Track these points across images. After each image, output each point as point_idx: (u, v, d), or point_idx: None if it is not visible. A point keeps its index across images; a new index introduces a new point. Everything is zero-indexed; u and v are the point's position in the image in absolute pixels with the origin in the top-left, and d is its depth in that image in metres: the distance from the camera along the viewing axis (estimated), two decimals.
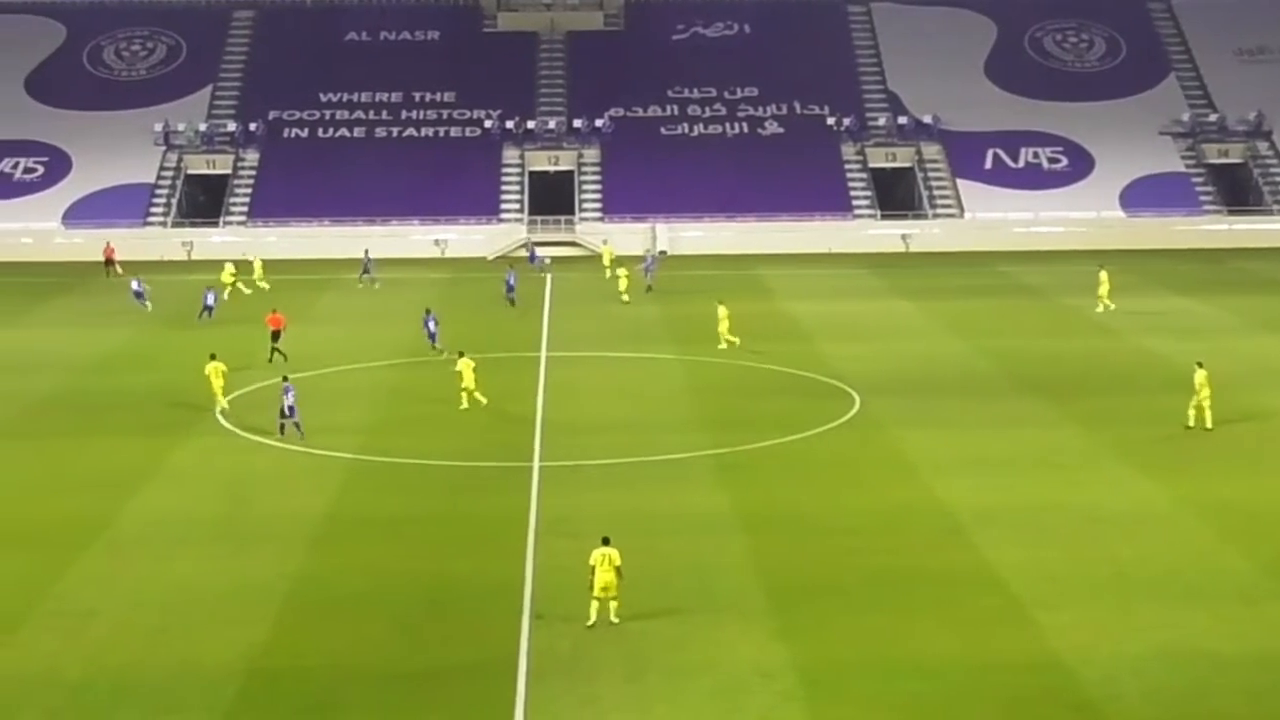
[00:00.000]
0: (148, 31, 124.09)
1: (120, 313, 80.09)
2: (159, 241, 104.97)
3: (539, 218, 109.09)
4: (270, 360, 65.98)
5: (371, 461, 50.50)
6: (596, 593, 35.55)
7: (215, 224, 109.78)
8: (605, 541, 35.93)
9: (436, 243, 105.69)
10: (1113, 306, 77.83)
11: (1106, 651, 33.99)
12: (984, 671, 32.73)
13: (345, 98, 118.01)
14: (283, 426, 53.44)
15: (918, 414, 56.44)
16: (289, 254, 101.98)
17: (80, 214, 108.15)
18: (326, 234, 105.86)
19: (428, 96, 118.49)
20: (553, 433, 54.08)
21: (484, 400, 57.45)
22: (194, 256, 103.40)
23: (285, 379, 55.28)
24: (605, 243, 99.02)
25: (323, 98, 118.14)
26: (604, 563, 35.55)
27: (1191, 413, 53.67)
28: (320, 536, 42.66)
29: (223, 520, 44.32)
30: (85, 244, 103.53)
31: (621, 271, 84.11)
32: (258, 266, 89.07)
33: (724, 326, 69.37)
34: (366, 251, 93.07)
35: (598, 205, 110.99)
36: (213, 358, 57.91)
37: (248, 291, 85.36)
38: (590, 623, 35.36)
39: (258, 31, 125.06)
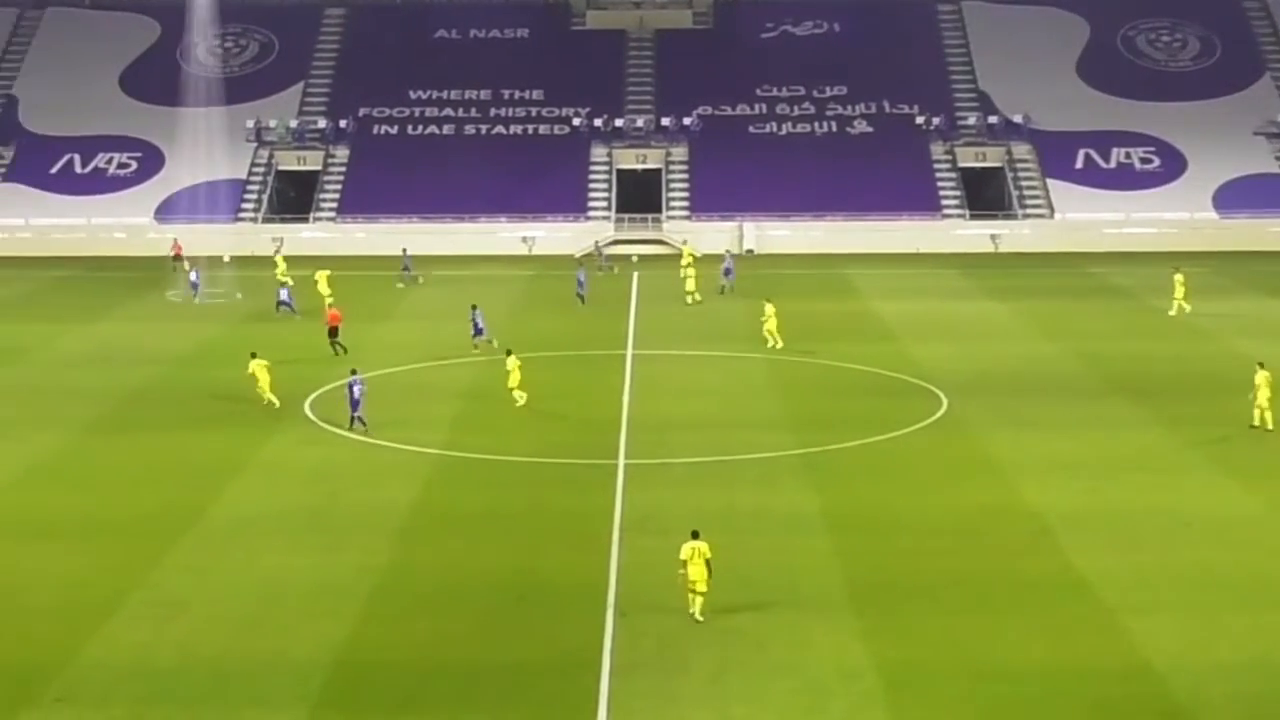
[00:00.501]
0: (241, 29, 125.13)
1: (209, 308, 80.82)
2: (249, 237, 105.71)
3: (626, 216, 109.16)
4: (336, 355, 66.71)
5: (457, 457, 50.83)
6: (689, 587, 35.79)
7: (305, 220, 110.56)
8: (695, 535, 36.13)
9: (524, 240, 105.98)
10: (1188, 309, 77.16)
11: (1196, 659, 33.78)
12: (1070, 677, 32.57)
13: (434, 95, 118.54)
14: (352, 420, 53.99)
15: (1006, 415, 56.19)
16: (376, 251, 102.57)
17: (172, 209, 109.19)
18: (415, 231, 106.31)
19: (516, 94, 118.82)
20: (638, 430, 54.22)
21: (521, 400, 57.58)
22: (284, 252, 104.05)
23: (354, 372, 55.69)
24: (685, 242, 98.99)
25: (412, 95, 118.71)
26: (695, 556, 35.74)
27: (1255, 412, 53.59)
28: (407, 531, 43.03)
29: (311, 513, 44.75)
30: (177, 239, 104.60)
31: (690, 272, 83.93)
32: (279, 262, 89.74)
33: (770, 325, 69.25)
34: (405, 250, 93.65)
35: (685, 203, 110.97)
36: (254, 356, 58.67)
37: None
38: (693, 614, 35.61)
39: (349, 29, 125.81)
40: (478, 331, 68.50)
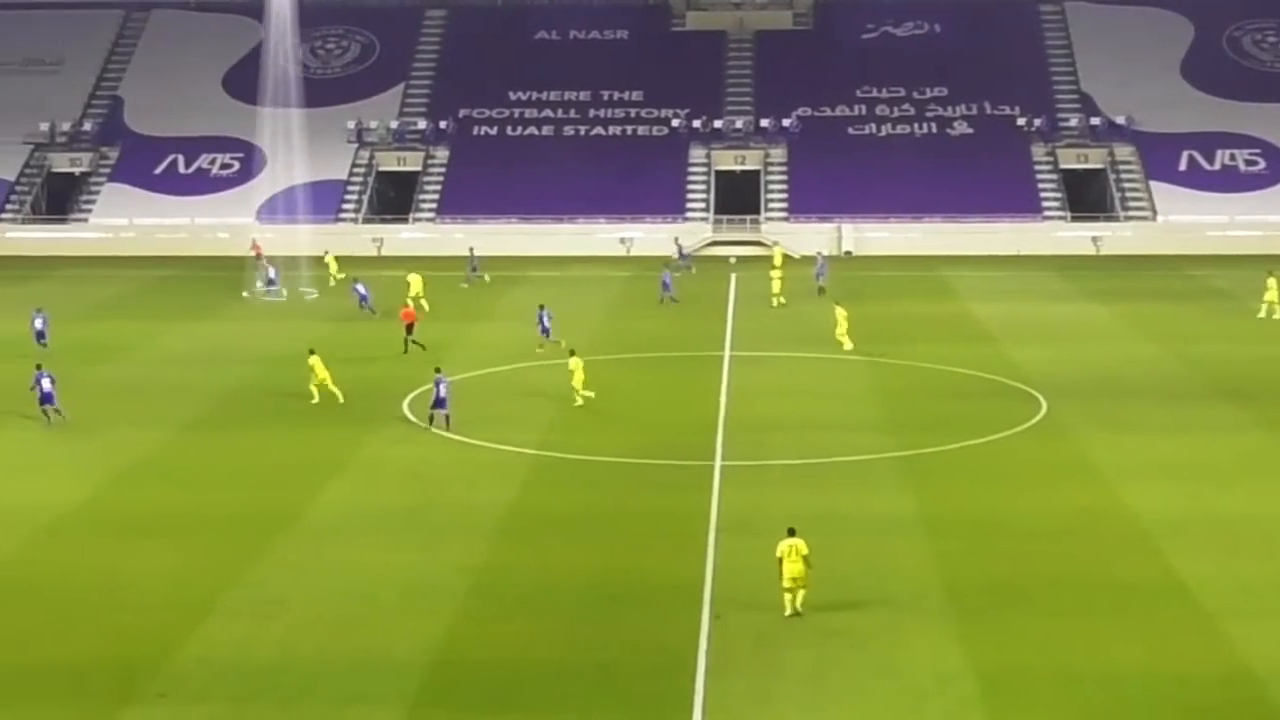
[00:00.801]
0: (342, 30, 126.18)
1: (309, 308, 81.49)
2: (350, 237, 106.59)
3: (724, 217, 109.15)
4: (405, 352, 67.37)
5: (554, 457, 50.96)
6: (785, 584, 35.82)
7: (405, 220, 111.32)
8: (791, 532, 36.24)
9: (622, 241, 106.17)
10: (1279, 315, 76.34)
11: None
12: (1169, 683, 32.26)
13: (534, 96, 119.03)
14: (432, 417, 54.30)
15: (1106, 418, 55.71)
16: (476, 251, 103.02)
17: (274, 210, 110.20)
18: (513, 231, 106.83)
19: (615, 95, 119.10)
20: (735, 431, 54.18)
21: (580, 399, 57.86)
22: (383, 253, 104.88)
23: (438, 370, 55.97)
24: (776, 244, 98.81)
25: (512, 96, 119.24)
26: (791, 553, 35.83)
27: None
28: (503, 530, 43.20)
29: (409, 512, 45.00)
30: (278, 239, 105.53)
31: (774, 274, 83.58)
32: (331, 262, 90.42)
33: (841, 328, 68.93)
34: (472, 250, 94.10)
35: (783, 205, 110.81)
36: (312, 352, 59.39)
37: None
38: (787, 613, 35.67)
39: (449, 30, 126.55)
40: (544, 331, 68.73)
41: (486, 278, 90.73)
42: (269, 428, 55.49)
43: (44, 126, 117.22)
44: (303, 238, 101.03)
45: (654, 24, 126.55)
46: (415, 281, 79.46)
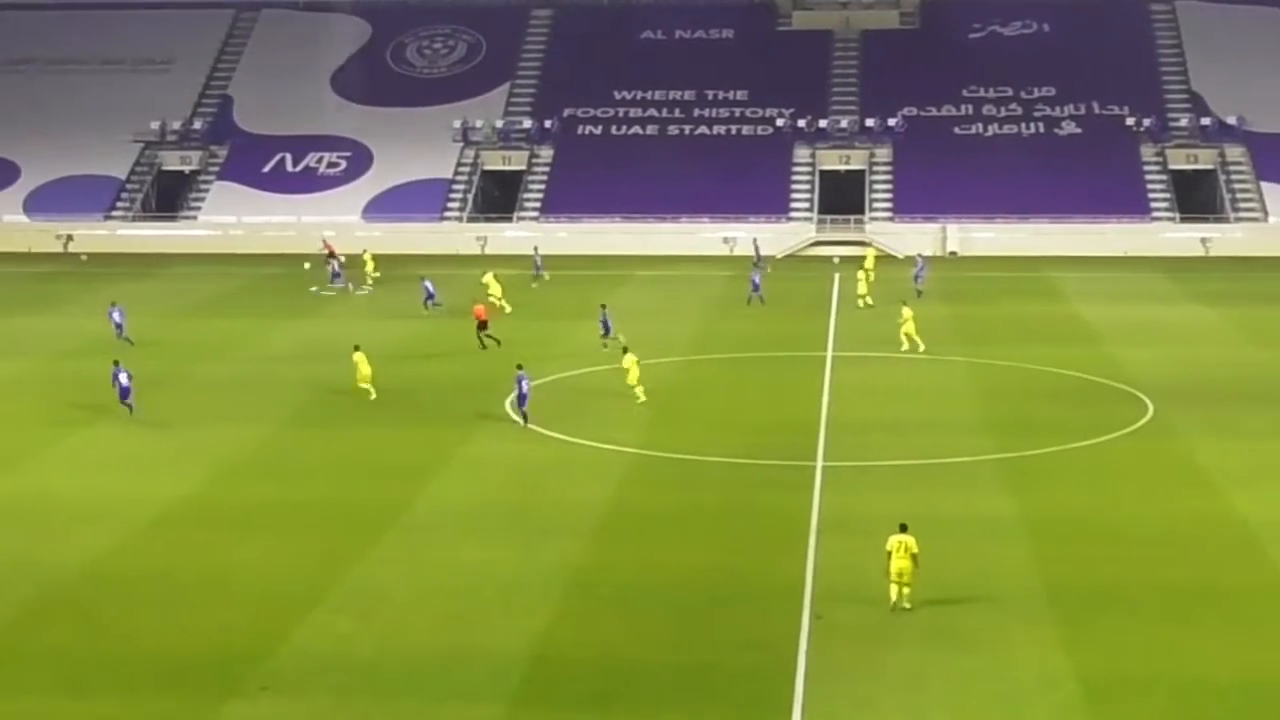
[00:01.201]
0: (449, 30, 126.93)
1: (409, 306, 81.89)
2: (454, 236, 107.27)
3: (828, 217, 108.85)
4: (483, 348, 68.11)
5: (654, 456, 50.93)
6: (893, 578, 35.90)
7: (509, 219, 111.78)
8: (903, 528, 36.37)
9: (725, 241, 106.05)
10: None
11: None
12: (1277, 691, 31.73)
13: (639, 96, 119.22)
14: (525, 416, 54.51)
15: (1214, 422, 55.02)
16: (579, 250, 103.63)
17: (380, 208, 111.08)
18: (617, 230, 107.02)
19: (720, 95, 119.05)
20: (837, 432, 53.98)
21: (642, 397, 57.83)
22: (487, 251, 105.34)
23: (520, 367, 56.09)
24: (870, 245, 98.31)
25: (617, 95, 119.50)
26: (900, 549, 35.93)
27: None
28: (604, 528, 43.24)
29: (510, 509, 45.15)
30: (384, 238, 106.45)
31: (860, 274, 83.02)
32: (368, 260, 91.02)
33: (909, 328, 68.40)
34: (536, 249, 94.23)
35: (888, 205, 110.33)
36: (357, 349, 60.14)
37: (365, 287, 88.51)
38: (891, 605, 35.80)
39: (555, 30, 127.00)
40: (606, 331, 68.65)
41: (547, 276, 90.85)
42: (373, 424, 55.84)
43: (154, 125, 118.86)
44: (408, 236, 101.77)
45: (760, 23, 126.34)
46: (493, 282, 79.52)
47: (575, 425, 54.54)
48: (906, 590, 35.86)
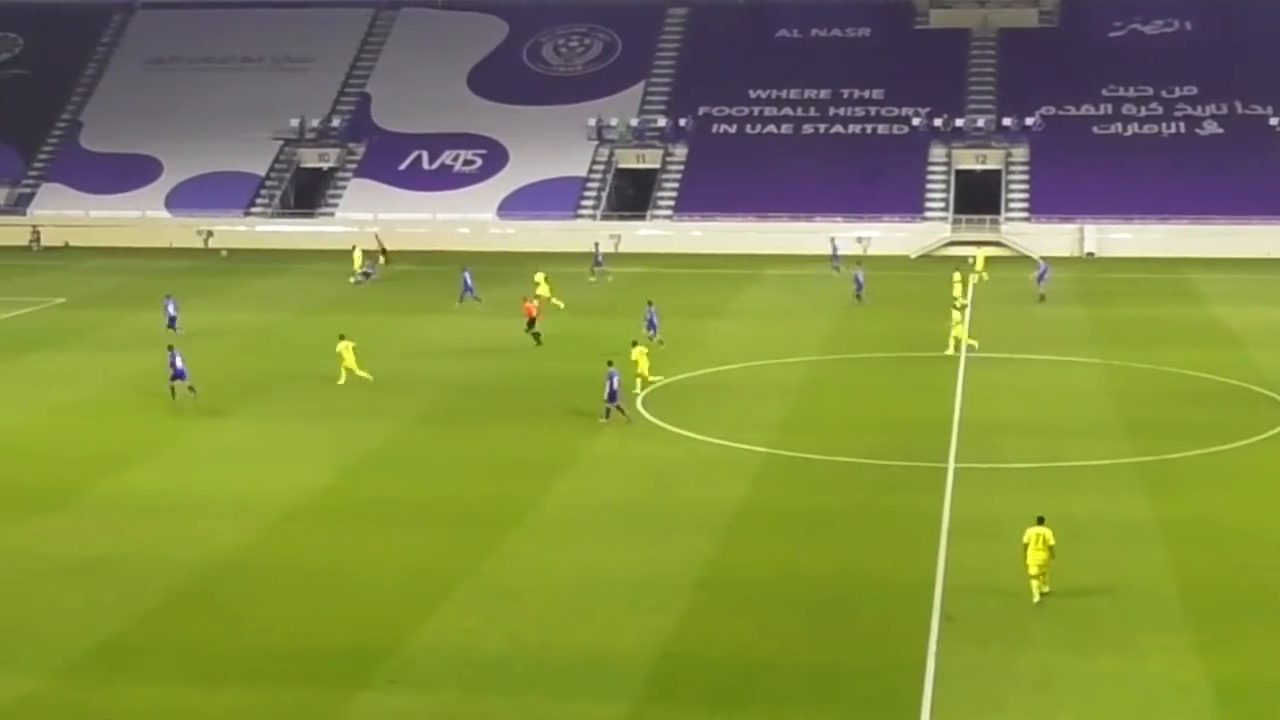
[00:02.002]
0: (585, 28, 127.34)
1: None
2: (587, 234, 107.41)
3: (964, 217, 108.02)
4: (539, 345, 68.77)
5: (784, 456, 50.76)
6: (1032, 571, 36.20)
7: (643, 218, 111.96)
8: (1040, 521, 36.65)
9: (859, 240, 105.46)
10: None
11: None
12: None
13: (774, 94, 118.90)
14: (607, 411, 54.53)
15: None
16: (712, 249, 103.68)
17: (514, 206, 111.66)
18: (750, 229, 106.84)
19: (856, 94, 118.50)
20: (969, 434, 53.53)
21: (640, 388, 58.54)
22: (621, 249, 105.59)
23: (610, 364, 55.92)
24: (980, 247, 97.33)
25: (752, 94, 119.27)
26: (1037, 541, 36.21)
27: None
28: (732, 528, 43.15)
29: (640, 507, 45.18)
30: (518, 235, 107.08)
31: (956, 276, 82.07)
32: (357, 257, 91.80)
33: (958, 331, 67.59)
34: (597, 245, 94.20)
35: (1024, 205, 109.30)
36: (342, 337, 61.53)
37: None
38: (1035, 600, 35.99)
39: (690, 28, 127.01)
40: (651, 329, 68.29)
41: (610, 278, 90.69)
42: (504, 422, 56.06)
43: (294, 123, 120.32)
44: (541, 235, 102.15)
45: (896, 22, 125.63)
46: (542, 282, 79.07)
47: (705, 423, 54.52)
48: (1036, 582, 36.11)
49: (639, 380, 58.93)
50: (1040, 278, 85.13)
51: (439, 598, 37.15)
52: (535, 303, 72.13)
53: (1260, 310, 79.88)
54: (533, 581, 38.70)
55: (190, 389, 57.81)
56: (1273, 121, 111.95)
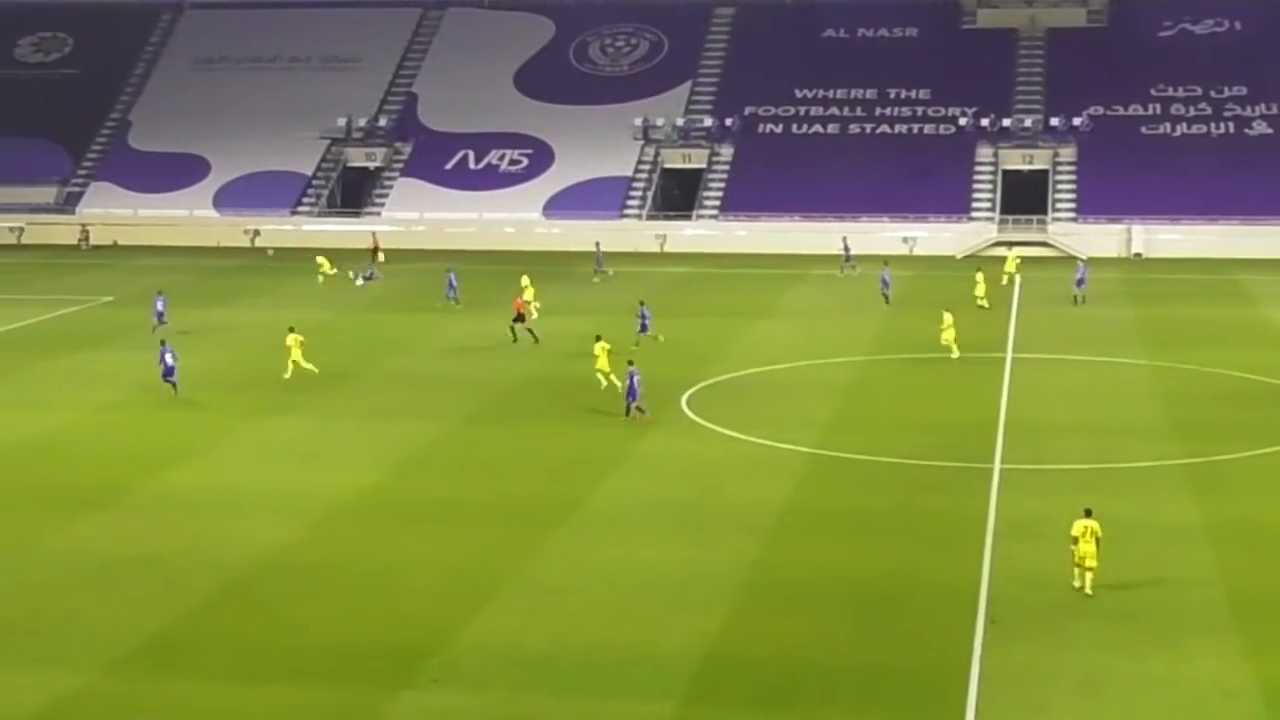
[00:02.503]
0: (632, 28, 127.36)
1: (596, 302, 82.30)
2: (633, 234, 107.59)
3: (1010, 217, 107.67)
4: (514, 340, 69.65)
5: (830, 456, 50.71)
6: (1077, 561, 36.66)
7: (688, 218, 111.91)
8: (1087, 513, 37.14)
9: (905, 240, 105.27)
10: None
11: None
12: None
13: (820, 94, 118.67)
14: (628, 408, 54.62)
15: None
16: (758, 249, 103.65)
17: (560, 205, 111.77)
18: (796, 229, 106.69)
19: (903, 94, 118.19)
20: (1015, 435, 53.39)
21: (605, 384, 58.37)
22: (667, 249, 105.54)
23: (630, 363, 56.21)
24: (1011, 248, 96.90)
25: (798, 94, 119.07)
26: (1086, 534, 36.57)
27: None
28: (778, 528, 43.14)
29: (685, 507, 45.19)
30: (564, 234, 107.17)
31: (979, 276, 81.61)
32: (324, 263, 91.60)
33: (949, 335, 66.99)
34: (598, 244, 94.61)
35: (1071, 205, 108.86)
36: (291, 330, 62.65)
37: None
38: (1081, 588, 36.57)
39: (737, 28, 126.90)
40: (643, 328, 68.70)
41: (610, 272, 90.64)
42: (550, 421, 56.14)
43: (340, 122, 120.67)
44: (588, 233, 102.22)
45: (944, 21, 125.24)
46: (527, 285, 78.25)
47: (751, 423, 54.51)
48: (1090, 576, 36.55)
49: (600, 376, 58.77)
50: (1079, 282, 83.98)
51: (484, 597, 37.18)
52: (525, 300, 73.35)
53: None
54: (578, 580, 38.77)
55: (173, 385, 58.86)
56: None
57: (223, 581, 38.76)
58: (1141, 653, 33.84)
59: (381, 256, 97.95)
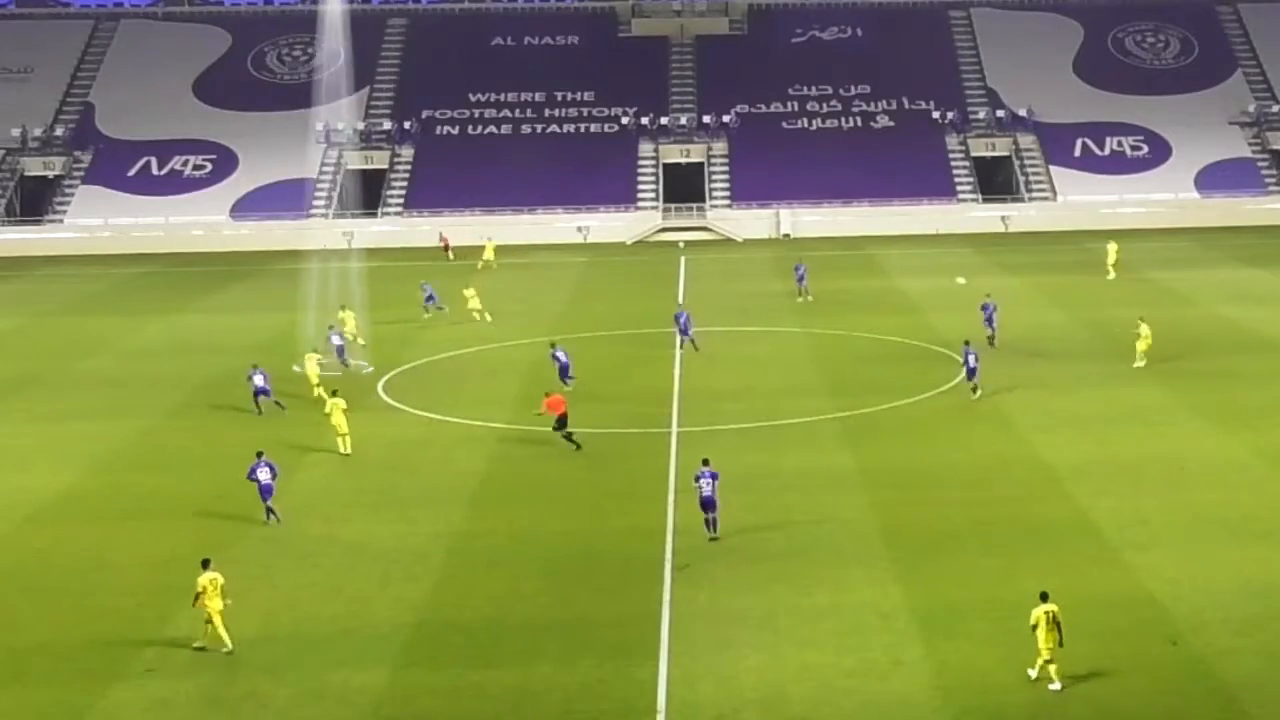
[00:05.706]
0: (308, 37, 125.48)
1: (267, 302, 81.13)
2: (321, 232, 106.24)
3: (672, 205, 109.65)
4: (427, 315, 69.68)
5: (521, 430, 50.30)
6: (1045, 656, 30.16)
7: (374, 215, 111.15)
8: (1044, 598, 30.47)
9: (579, 229, 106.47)
10: (1112, 275, 79.99)
11: (1192, 587, 34.73)
12: (1083, 608, 32.74)
13: (493, 98, 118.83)
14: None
15: (1018, 377, 56.56)
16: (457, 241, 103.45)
17: (247, 207, 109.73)
18: (477, 223, 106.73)
19: (569, 96, 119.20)
20: (690, 400, 54.50)
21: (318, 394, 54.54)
22: (354, 245, 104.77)
23: (254, 365, 54.91)
24: (489, 239, 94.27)
25: (472, 98, 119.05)
26: (1046, 621, 30.10)
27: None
28: (476, 499, 43.21)
29: (386, 486, 44.79)
30: (252, 235, 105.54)
31: (479, 263, 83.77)
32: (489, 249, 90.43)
33: (475, 304, 70.53)
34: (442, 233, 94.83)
35: (726, 193, 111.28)
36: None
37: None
38: (1056, 687, 30.06)
39: (410, 36, 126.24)
40: (430, 299, 71.92)
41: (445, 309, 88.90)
42: (246, 415, 53.70)
43: (15, 132, 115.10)
44: (276, 233, 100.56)
45: (602, 30, 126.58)
46: (473, 296, 73.14)
47: (446, 405, 54.44)
48: (1054, 668, 30.05)
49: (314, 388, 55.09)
50: (988, 320, 67.65)
51: (191, 586, 33.30)
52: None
53: (933, 279, 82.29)
54: (284, 562, 37.92)
55: None
56: (935, 115, 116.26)
57: None
58: (809, 587, 35.13)
59: (451, 256, 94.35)
